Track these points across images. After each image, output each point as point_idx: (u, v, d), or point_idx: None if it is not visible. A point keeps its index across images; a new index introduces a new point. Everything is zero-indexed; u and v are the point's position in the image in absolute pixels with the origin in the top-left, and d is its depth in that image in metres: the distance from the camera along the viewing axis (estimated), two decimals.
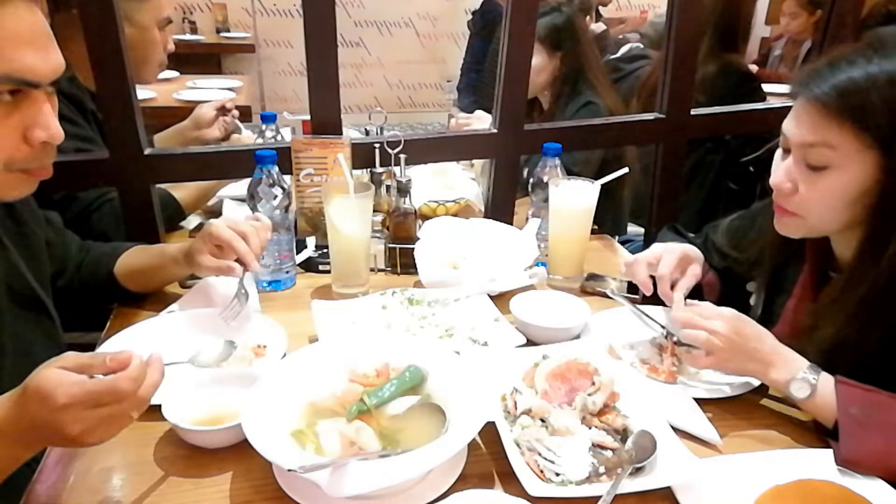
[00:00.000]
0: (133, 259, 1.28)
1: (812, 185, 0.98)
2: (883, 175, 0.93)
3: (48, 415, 0.73)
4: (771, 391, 1.07)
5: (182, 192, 1.65)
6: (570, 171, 1.56)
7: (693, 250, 1.24)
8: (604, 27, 4.06)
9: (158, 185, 1.53)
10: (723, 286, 1.31)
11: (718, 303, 1.26)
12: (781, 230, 1.07)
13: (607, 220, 2.16)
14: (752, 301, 1.26)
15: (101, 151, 1.45)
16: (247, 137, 1.99)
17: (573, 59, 2.22)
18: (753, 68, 3.93)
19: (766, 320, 1.20)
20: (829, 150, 0.95)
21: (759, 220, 1.23)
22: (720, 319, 1.00)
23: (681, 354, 1.09)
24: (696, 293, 1.25)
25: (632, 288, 1.39)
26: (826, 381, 0.95)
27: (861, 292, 0.97)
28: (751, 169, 2.47)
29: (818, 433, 0.97)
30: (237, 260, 1.18)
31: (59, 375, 0.74)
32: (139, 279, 1.28)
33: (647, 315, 1.26)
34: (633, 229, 2.48)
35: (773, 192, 1.04)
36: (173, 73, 3.74)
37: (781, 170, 1.02)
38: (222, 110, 2.00)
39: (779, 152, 1.05)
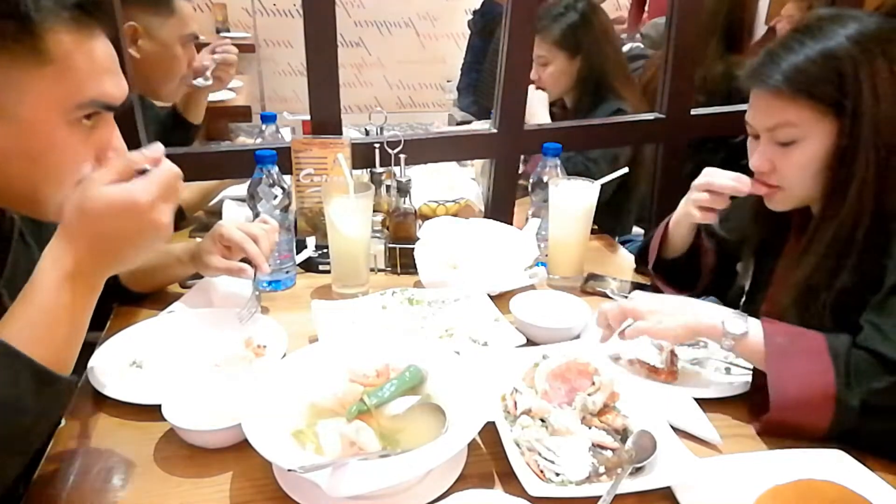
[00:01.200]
0: None
1: (786, 159, 1.08)
2: (839, 134, 1.03)
3: (134, 222, 0.79)
4: None
5: (183, 192, 1.64)
6: (588, 173, 1.55)
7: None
8: None
9: None
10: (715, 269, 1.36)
11: (712, 279, 1.34)
12: (773, 206, 1.15)
13: (615, 223, 2.12)
14: (739, 280, 1.32)
15: None
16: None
17: (595, 59, 2.06)
18: None
19: (758, 290, 1.26)
20: (791, 128, 1.06)
21: (745, 201, 1.27)
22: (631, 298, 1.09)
23: (632, 333, 1.07)
24: (694, 256, 1.32)
25: (632, 288, 1.40)
26: (755, 323, 1.00)
27: (827, 237, 1.05)
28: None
29: (756, 416, 0.99)
30: (247, 261, 1.20)
31: (123, 186, 0.79)
32: (142, 279, 1.28)
33: None
34: (634, 229, 2.47)
35: (755, 174, 1.14)
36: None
37: (757, 154, 1.12)
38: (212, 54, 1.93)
39: (750, 140, 1.15)
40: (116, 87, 0.88)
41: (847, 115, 1.01)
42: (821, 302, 1.04)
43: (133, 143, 1.39)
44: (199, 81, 1.89)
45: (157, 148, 0.84)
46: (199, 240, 1.27)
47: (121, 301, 1.29)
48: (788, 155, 1.08)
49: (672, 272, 1.36)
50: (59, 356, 0.78)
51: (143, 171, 0.81)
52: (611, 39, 2.15)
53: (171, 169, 0.83)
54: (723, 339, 1.00)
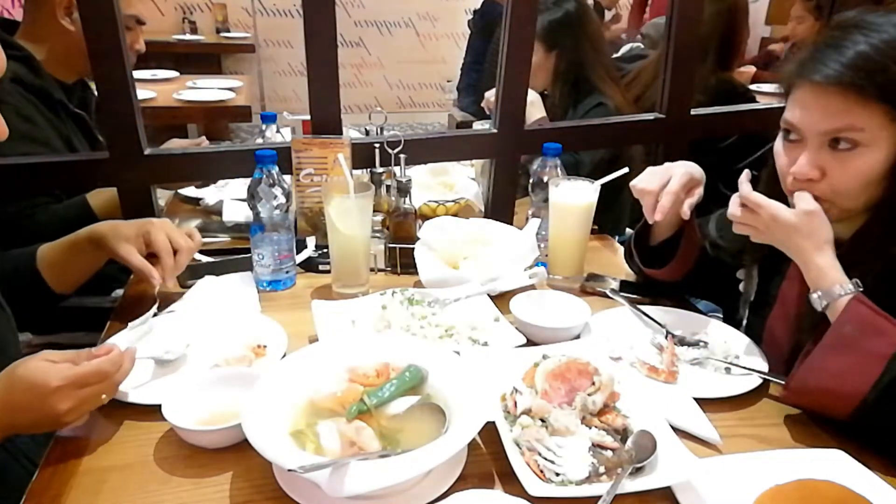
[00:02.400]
0: (47, 253, 1.22)
1: (842, 167, 0.97)
2: None
3: (38, 399, 0.83)
4: (771, 391, 1.07)
5: (98, 199, 1.58)
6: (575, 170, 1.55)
7: (697, 170, 1.24)
8: None
9: (87, 194, 1.57)
10: (710, 272, 1.32)
11: (695, 269, 1.29)
12: None
13: (608, 222, 2.14)
14: (741, 287, 1.26)
15: (82, 149, 1.45)
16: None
17: (571, 57, 2.15)
18: (751, 69, 3.95)
19: (763, 304, 1.20)
20: (856, 132, 0.94)
21: None
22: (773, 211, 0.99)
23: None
24: (678, 242, 1.27)
25: (626, 287, 1.40)
26: (843, 300, 0.94)
27: (880, 265, 0.97)
28: (753, 172, 2.45)
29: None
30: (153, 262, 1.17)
31: (48, 365, 0.85)
32: (60, 273, 1.22)
33: (646, 315, 1.26)
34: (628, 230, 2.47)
35: (792, 182, 1.02)
36: (173, 73, 3.74)
37: (804, 159, 0.99)
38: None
39: (781, 143, 1.05)
40: None
41: None
42: None
43: (135, 146, 1.41)
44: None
45: (106, 347, 0.91)
46: (104, 223, 1.20)
47: (51, 307, 1.25)
48: (846, 163, 0.96)
49: (655, 257, 1.32)
50: None
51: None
52: (592, 39, 2.21)
53: (99, 365, 0.87)
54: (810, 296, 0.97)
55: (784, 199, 1.04)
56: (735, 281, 1.27)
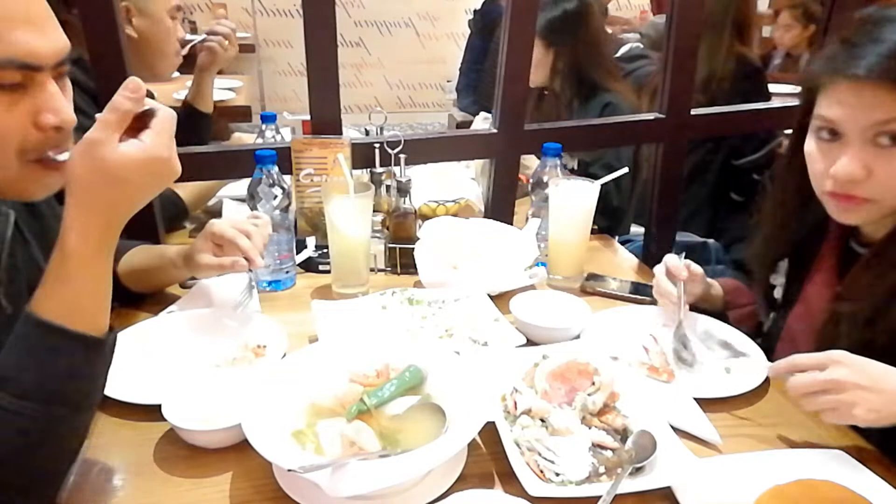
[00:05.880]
0: (135, 259, 1.27)
1: (890, 164, 0.92)
2: None
3: (159, 175, 0.78)
4: (772, 389, 1.07)
5: (184, 191, 1.66)
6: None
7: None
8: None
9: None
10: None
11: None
12: (848, 220, 1.01)
13: (612, 221, 2.14)
14: (776, 294, 1.23)
15: None
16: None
17: (569, 56, 2.16)
18: None
19: (787, 302, 1.19)
20: None
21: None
22: (832, 364, 0.89)
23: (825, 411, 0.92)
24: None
25: (632, 288, 1.40)
26: None
27: None
28: (755, 177, 2.45)
29: None
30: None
31: (142, 146, 0.76)
32: (140, 279, 1.28)
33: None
34: (634, 229, 2.47)
35: (834, 183, 0.96)
36: (174, 73, 3.73)
37: (848, 159, 0.94)
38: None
39: (815, 144, 0.99)
40: (42, 43, 0.78)
41: None
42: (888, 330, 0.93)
43: None
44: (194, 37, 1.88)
45: (135, 83, 0.76)
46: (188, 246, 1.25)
47: (121, 301, 1.29)
48: (894, 158, 0.92)
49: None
50: (99, 321, 0.80)
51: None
52: (592, 39, 2.21)
53: (167, 113, 0.80)
54: None
55: (806, 201, 1.03)
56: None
